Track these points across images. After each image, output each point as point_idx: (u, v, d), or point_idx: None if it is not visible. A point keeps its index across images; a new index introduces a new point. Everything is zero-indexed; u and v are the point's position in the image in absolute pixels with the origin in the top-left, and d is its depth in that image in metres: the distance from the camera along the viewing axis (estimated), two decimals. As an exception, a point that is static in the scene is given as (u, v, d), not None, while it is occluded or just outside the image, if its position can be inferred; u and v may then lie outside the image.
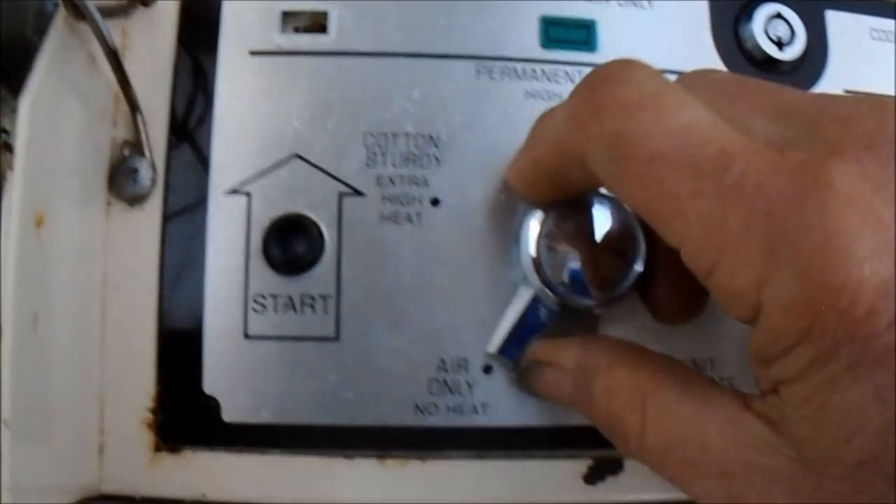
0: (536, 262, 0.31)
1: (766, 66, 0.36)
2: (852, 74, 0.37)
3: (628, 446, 0.27)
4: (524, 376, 0.32)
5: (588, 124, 0.25)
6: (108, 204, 0.33)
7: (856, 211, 0.21)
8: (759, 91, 0.26)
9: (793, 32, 0.36)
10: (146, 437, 0.32)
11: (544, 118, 0.29)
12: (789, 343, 0.22)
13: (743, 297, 0.23)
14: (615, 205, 0.31)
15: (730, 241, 0.22)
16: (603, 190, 0.31)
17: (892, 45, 0.37)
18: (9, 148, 0.30)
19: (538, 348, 0.31)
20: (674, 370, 0.27)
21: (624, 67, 0.25)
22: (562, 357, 0.30)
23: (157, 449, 0.32)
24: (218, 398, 0.32)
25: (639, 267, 0.31)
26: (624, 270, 0.31)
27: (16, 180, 0.28)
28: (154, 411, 0.32)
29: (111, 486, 0.32)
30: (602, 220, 0.31)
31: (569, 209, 0.31)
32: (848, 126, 0.23)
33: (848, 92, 0.36)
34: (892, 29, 0.38)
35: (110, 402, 0.32)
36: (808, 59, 0.36)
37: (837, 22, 0.37)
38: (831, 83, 0.36)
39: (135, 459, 0.32)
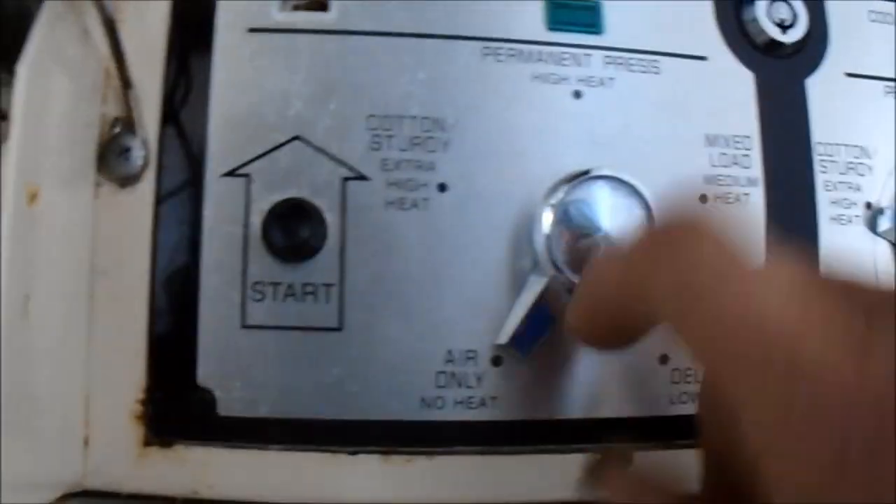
0: (550, 250, 0.30)
1: (768, 49, 0.35)
2: (852, 58, 0.36)
3: None
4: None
5: (659, 280, 0.23)
6: (97, 185, 0.31)
7: None
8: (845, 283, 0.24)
9: (795, 15, 0.36)
10: (135, 431, 0.30)
11: (605, 264, 0.27)
12: None
13: (794, 495, 0.21)
14: (629, 191, 0.30)
15: (792, 440, 0.21)
16: (611, 173, 0.31)
17: (891, 26, 0.37)
18: (3, 116, 0.28)
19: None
20: None
21: (697, 226, 0.23)
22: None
23: (147, 443, 0.30)
24: (213, 390, 0.30)
25: None
26: None
27: (12, 152, 0.26)
28: (144, 403, 0.30)
29: (96, 482, 0.30)
30: (614, 208, 0.30)
31: (581, 195, 0.30)
32: None
33: (848, 76, 0.36)
34: (891, 10, 0.37)
35: (97, 392, 0.30)
36: (809, 43, 0.36)
37: (836, 4, 0.37)
38: (832, 67, 0.36)
39: (122, 453, 0.30)
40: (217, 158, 0.31)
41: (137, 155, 0.31)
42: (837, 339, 0.20)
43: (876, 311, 0.21)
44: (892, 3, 0.37)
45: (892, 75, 0.36)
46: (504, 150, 0.32)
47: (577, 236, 0.30)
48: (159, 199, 0.31)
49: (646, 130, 0.33)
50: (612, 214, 0.30)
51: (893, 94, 0.36)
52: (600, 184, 0.30)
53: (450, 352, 0.31)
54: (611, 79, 0.33)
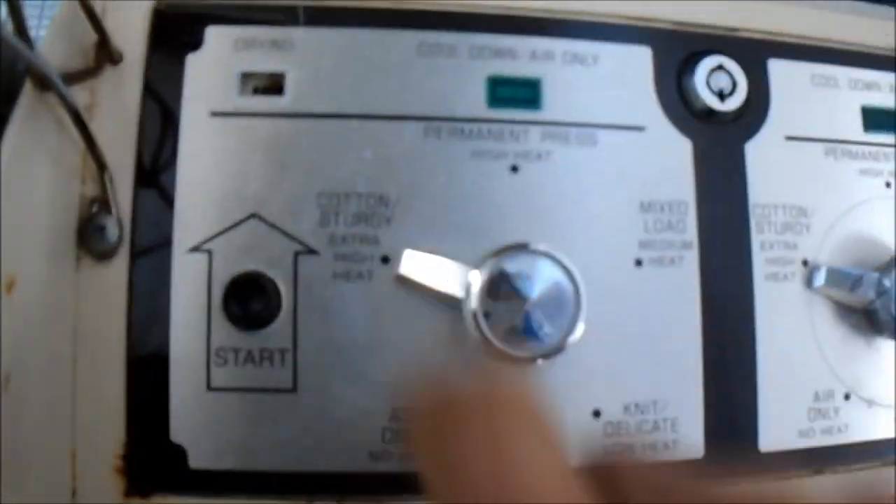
0: (476, 316, 0.32)
1: (706, 117, 0.37)
2: (793, 121, 0.38)
3: None
4: None
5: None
6: (78, 259, 0.34)
7: None
8: None
9: (734, 83, 0.37)
10: (117, 483, 0.34)
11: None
12: None
13: None
14: (556, 264, 0.33)
15: None
16: (540, 247, 0.33)
17: (834, 90, 0.39)
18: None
19: None
20: None
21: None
22: None
23: (128, 493, 0.34)
24: (184, 446, 0.34)
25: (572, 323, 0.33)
26: (562, 323, 0.33)
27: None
28: (124, 458, 0.34)
29: (83, 531, 0.34)
30: (543, 279, 0.33)
31: (512, 266, 0.33)
32: None
33: (788, 139, 0.38)
34: (834, 74, 0.39)
35: (82, 449, 0.34)
36: (749, 109, 0.38)
37: (780, 70, 0.38)
38: (773, 131, 0.38)
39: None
40: (184, 234, 0.34)
41: (113, 233, 0.34)
42: None
43: None
44: (835, 67, 0.39)
45: (833, 136, 0.38)
46: (444, 223, 0.35)
47: (506, 301, 0.32)
48: (133, 272, 0.34)
49: (581, 201, 0.35)
50: (542, 285, 0.33)
51: (833, 155, 0.38)
52: (528, 256, 0.33)
53: (395, 410, 0.34)
54: (548, 152, 0.35)
